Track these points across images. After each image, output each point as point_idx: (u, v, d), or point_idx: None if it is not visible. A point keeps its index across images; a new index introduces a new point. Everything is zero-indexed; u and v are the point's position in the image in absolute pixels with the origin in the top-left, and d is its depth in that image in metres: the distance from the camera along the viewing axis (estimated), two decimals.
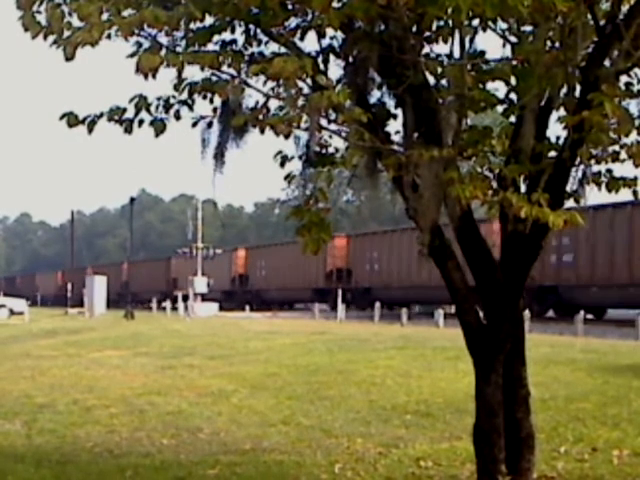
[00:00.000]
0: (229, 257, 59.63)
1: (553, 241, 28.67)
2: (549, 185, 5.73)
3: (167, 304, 49.60)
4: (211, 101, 5.78)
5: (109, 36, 5.32)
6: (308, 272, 49.84)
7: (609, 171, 6.08)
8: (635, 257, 29.42)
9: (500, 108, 6.18)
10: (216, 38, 5.61)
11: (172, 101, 5.83)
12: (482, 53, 5.80)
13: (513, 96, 6.03)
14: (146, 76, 5.31)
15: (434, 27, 5.67)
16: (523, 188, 5.85)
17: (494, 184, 5.80)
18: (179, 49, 5.58)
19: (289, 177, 6.20)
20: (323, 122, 5.70)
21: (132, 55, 5.47)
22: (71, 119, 5.75)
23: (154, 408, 11.92)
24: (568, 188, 5.92)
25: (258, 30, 5.72)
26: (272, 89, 5.61)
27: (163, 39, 5.54)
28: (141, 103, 5.70)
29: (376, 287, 44.04)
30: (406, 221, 6.40)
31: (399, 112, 5.94)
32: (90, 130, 5.77)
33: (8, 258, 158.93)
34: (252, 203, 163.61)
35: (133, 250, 60.89)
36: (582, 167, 5.92)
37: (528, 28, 5.66)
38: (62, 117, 5.74)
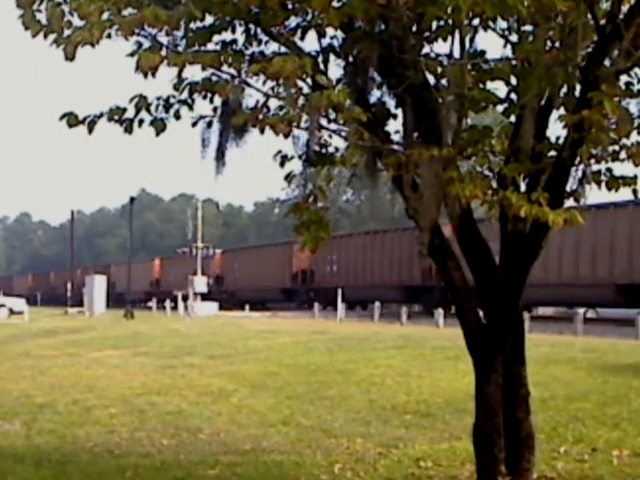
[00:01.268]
0: (207, 260, 62.94)
1: None
2: (549, 184, 5.73)
3: (152, 304, 50.49)
4: (211, 101, 5.78)
5: (109, 35, 5.32)
6: (276, 273, 53.77)
7: (609, 170, 6.07)
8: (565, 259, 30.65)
9: (500, 107, 6.17)
10: (216, 38, 5.61)
11: (172, 101, 5.82)
12: (482, 53, 5.79)
13: (513, 96, 6.03)
14: (146, 75, 5.31)
15: (434, 27, 5.66)
16: (523, 187, 5.85)
17: (494, 183, 5.80)
18: (179, 49, 5.57)
19: (289, 177, 6.19)
20: (323, 122, 5.70)
21: (132, 54, 5.46)
22: (71, 119, 5.74)
23: (154, 408, 11.91)
24: (568, 187, 5.92)
25: (258, 30, 5.72)
26: (272, 89, 5.61)
27: (163, 39, 5.54)
28: (141, 103, 5.70)
29: (336, 287, 45.62)
30: (406, 221, 6.39)
31: (399, 112, 5.94)
32: (90, 130, 5.77)
33: (8, 258, 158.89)
34: (252, 202, 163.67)
35: (133, 250, 60.99)
36: (582, 166, 5.92)
37: (528, 28, 5.66)
38: (62, 117, 5.73)
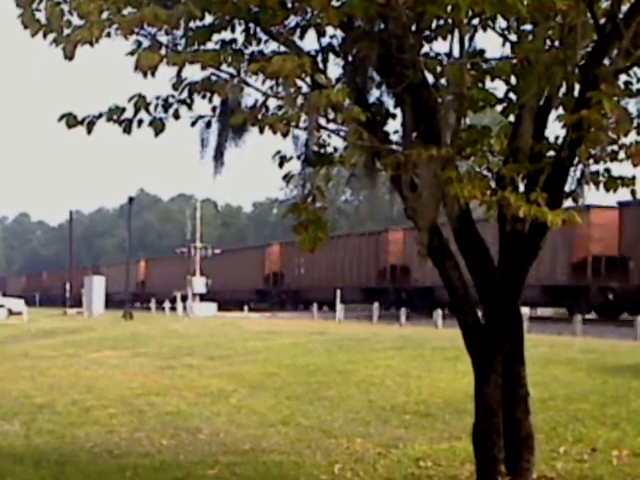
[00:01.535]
0: (187, 262, 65.60)
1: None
2: (548, 184, 5.72)
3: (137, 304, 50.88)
4: (210, 100, 5.77)
5: (109, 34, 5.32)
6: (250, 276, 57.74)
7: (607, 170, 6.07)
8: None
9: (499, 107, 6.17)
10: (216, 37, 5.61)
11: (171, 100, 5.81)
12: (481, 52, 5.80)
13: (512, 95, 6.02)
14: (145, 74, 5.31)
15: (433, 26, 5.66)
16: (522, 187, 5.85)
17: (493, 184, 5.79)
18: (179, 48, 5.57)
19: (287, 177, 6.19)
20: (322, 121, 5.69)
21: (132, 53, 5.46)
22: (70, 120, 5.73)
23: (153, 408, 11.90)
24: (567, 188, 5.92)
25: (258, 29, 5.71)
26: (271, 88, 5.60)
27: (163, 38, 5.53)
28: (140, 103, 5.69)
29: (302, 289, 52.08)
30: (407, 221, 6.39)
31: (398, 111, 5.94)
32: (89, 131, 5.76)
33: (7, 258, 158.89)
34: (250, 203, 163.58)
35: (132, 250, 61.12)
36: (581, 166, 5.92)
37: (528, 27, 5.66)
38: (61, 118, 5.72)
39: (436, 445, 8.91)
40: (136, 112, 5.73)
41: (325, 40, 5.77)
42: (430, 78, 5.82)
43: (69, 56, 5.34)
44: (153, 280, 71.39)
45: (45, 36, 5.44)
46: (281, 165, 6.11)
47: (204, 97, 5.76)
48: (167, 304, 50.00)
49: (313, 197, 6.12)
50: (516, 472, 6.24)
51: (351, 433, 9.72)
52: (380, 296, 43.95)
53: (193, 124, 5.83)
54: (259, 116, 5.57)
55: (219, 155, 5.71)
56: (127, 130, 5.78)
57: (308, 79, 5.51)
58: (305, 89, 5.52)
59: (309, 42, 5.76)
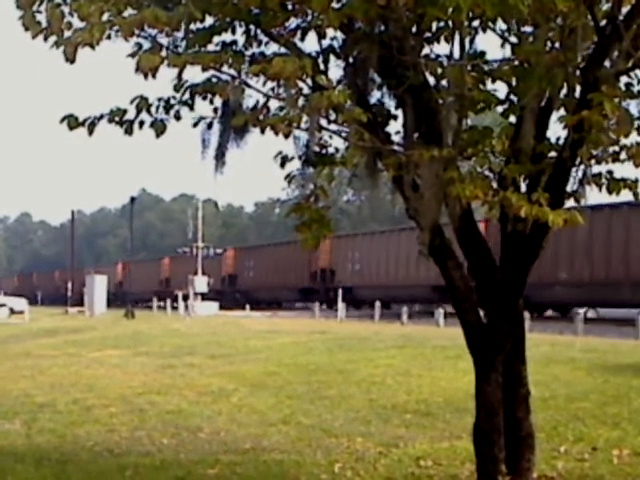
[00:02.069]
0: (157, 264, 70.04)
1: None
2: (549, 185, 5.73)
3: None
4: (211, 102, 5.79)
5: (109, 36, 5.32)
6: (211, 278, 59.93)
7: (610, 172, 6.07)
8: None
9: (500, 108, 6.18)
10: (216, 39, 5.61)
11: (172, 102, 5.83)
12: (482, 54, 5.81)
13: (513, 97, 6.03)
14: (146, 76, 5.31)
15: (434, 28, 5.68)
16: (523, 188, 5.86)
17: (494, 184, 5.81)
18: (179, 50, 5.58)
19: (289, 177, 6.21)
20: (323, 122, 5.71)
21: (132, 55, 5.47)
22: (71, 121, 5.74)
23: (154, 407, 11.92)
24: (568, 188, 5.93)
25: (258, 31, 5.73)
26: (272, 89, 5.62)
27: (163, 40, 5.54)
28: (142, 104, 5.70)
29: (251, 289, 57.97)
30: (405, 221, 6.41)
31: (399, 112, 5.95)
32: (90, 132, 5.77)
33: (9, 258, 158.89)
34: (252, 203, 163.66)
35: (134, 250, 61.24)
36: (582, 167, 5.93)
37: (528, 29, 5.67)
38: (63, 120, 5.74)
39: (437, 444, 8.93)
40: (138, 113, 5.74)
41: (326, 42, 5.79)
42: (431, 79, 5.83)
43: (70, 58, 5.35)
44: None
45: (46, 38, 5.45)
46: (283, 165, 6.12)
47: (205, 98, 5.77)
48: (168, 303, 49.97)
49: (316, 196, 6.13)
50: (517, 471, 6.25)
51: (352, 432, 9.73)
52: (312, 295, 50.41)
53: (195, 125, 5.85)
54: (260, 117, 5.58)
55: (220, 155, 5.72)
56: (129, 131, 5.80)
57: (309, 80, 5.52)
58: (306, 90, 5.54)
59: (310, 44, 5.78)
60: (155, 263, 72.97)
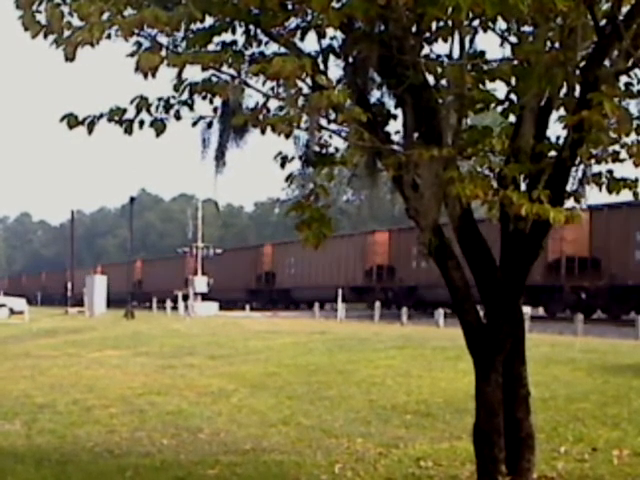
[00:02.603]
0: (130, 267, 69.80)
1: None
2: (549, 184, 5.73)
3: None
4: (211, 101, 5.79)
5: (109, 36, 5.32)
6: (174, 280, 64.30)
7: (610, 172, 6.07)
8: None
9: (500, 108, 6.18)
10: (216, 39, 5.61)
11: (172, 101, 5.82)
12: (482, 53, 5.80)
13: (513, 96, 6.03)
14: (146, 75, 5.31)
15: (434, 27, 5.67)
16: (523, 187, 5.85)
17: (494, 183, 5.80)
18: (179, 49, 5.58)
19: (290, 177, 6.20)
20: (323, 122, 5.71)
21: (132, 55, 5.46)
22: (71, 120, 5.74)
23: (154, 408, 11.91)
24: (568, 188, 5.92)
25: (258, 30, 5.72)
26: (272, 89, 5.61)
27: (163, 39, 5.54)
28: (142, 104, 5.69)
29: (215, 290, 58.56)
30: (405, 221, 6.40)
31: (399, 112, 5.94)
32: (90, 131, 5.76)
33: (8, 258, 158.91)
34: (252, 202, 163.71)
35: (133, 250, 61.33)
36: (582, 167, 5.92)
37: (528, 28, 5.67)
38: (62, 119, 5.73)
39: (437, 445, 8.92)
40: (137, 113, 5.74)
41: (325, 41, 5.79)
42: (431, 79, 5.83)
43: (70, 57, 5.35)
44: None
45: (46, 37, 5.45)
46: (283, 165, 6.12)
47: (205, 98, 5.77)
48: (168, 303, 50.00)
49: (316, 195, 6.12)
50: (517, 472, 6.24)
51: (352, 433, 9.73)
52: (258, 295, 57.85)
53: (194, 125, 5.84)
54: (260, 117, 5.58)
55: (220, 155, 5.71)
56: (128, 131, 5.79)
57: (309, 80, 5.52)
58: (306, 90, 5.53)
59: (309, 43, 5.78)
60: (129, 265, 70.70)
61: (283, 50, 5.65)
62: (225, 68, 5.56)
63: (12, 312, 47.84)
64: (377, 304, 36.62)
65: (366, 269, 47.53)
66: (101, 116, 5.78)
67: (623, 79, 5.77)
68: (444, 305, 31.54)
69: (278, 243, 60.79)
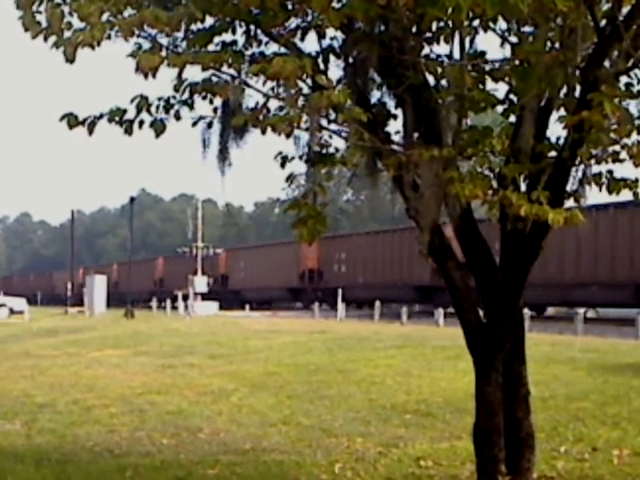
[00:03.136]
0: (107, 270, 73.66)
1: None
2: (549, 185, 5.73)
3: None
4: (211, 101, 5.79)
5: (109, 36, 5.32)
6: (145, 282, 68.07)
7: (610, 172, 6.07)
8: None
9: (500, 108, 6.18)
10: (216, 39, 5.61)
11: (172, 101, 5.82)
12: (482, 53, 5.81)
13: (513, 96, 6.03)
14: (146, 76, 5.31)
15: (434, 28, 5.67)
16: (523, 188, 5.85)
17: (494, 183, 5.80)
18: (179, 49, 5.58)
19: (290, 177, 6.21)
20: (323, 122, 5.71)
21: (132, 55, 5.46)
22: (71, 120, 5.74)
23: (154, 407, 11.92)
24: (568, 188, 5.92)
25: (258, 30, 5.72)
26: (272, 89, 5.62)
27: (163, 40, 5.54)
28: (142, 104, 5.69)
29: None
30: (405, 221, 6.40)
31: (399, 112, 5.95)
32: (90, 131, 5.76)
33: (8, 258, 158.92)
34: (252, 202, 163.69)
35: (133, 250, 61.40)
36: (582, 167, 5.93)
37: (528, 29, 5.67)
38: (62, 118, 5.73)
39: (437, 444, 8.93)
40: (138, 113, 5.73)
41: (326, 42, 5.78)
42: (431, 79, 5.83)
43: (70, 58, 5.34)
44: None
45: (46, 38, 5.44)
46: (283, 165, 6.12)
47: (205, 98, 5.77)
48: (168, 303, 50.00)
49: (314, 194, 6.12)
50: (517, 471, 6.25)
51: (352, 432, 9.73)
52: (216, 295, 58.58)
53: (194, 125, 5.84)
54: (260, 117, 5.58)
55: (224, 156, 5.71)
56: (128, 131, 5.79)
57: (309, 80, 5.52)
58: (306, 90, 5.53)
59: (310, 44, 5.78)
60: (107, 268, 76.32)
61: (283, 50, 5.65)
62: (225, 68, 5.56)
63: (12, 312, 47.86)
64: (377, 304, 36.59)
65: (300, 272, 52.93)
66: (101, 116, 5.77)
67: (623, 79, 5.77)
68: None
69: (231, 249, 65.63)
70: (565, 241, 31.12)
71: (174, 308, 49.73)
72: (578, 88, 5.61)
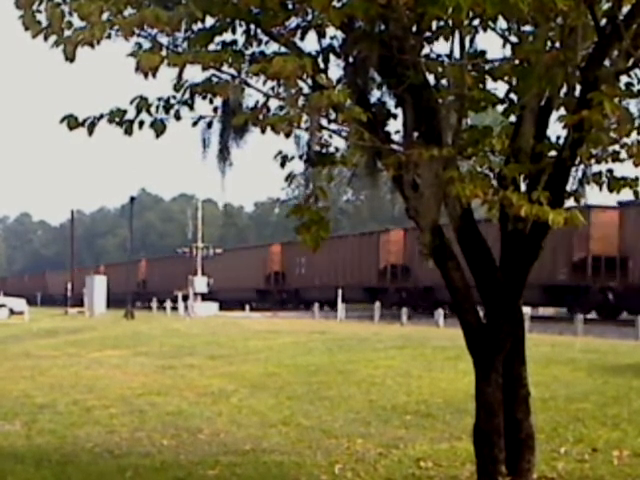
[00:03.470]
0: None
1: None
2: (549, 184, 5.73)
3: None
4: (211, 101, 5.78)
5: (109, 36, 5.31)
6: (127, 283, 66.81)
7: (610, 171, 6.07)
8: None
9: (500, 108, 6.17)
10: (217, 39, 5.60)
11: (172, 101, 5.81)
12: (482, 53, 5.80)
13: (513, 96, 6.03)
14: (146, 75, 5.30)
15: (434, 27, 5.67)
16: (523, 187, 5.85)
17: (494, 183, 5.80)
18: (179, 49, 5.57)
19: (290, 177, 6.19)
20: (323, 122, 5.70)
21: (132, 54, 5.45)
22: (71, 121, 5.73)
23: (154, 408, 11.91)
24: (568, 188, 5.92)
25: (258, 30, 5.72)
26: (272, 89, 5.61)
27: (163, 39, 5.53)
28: (142, 104, 5.68)
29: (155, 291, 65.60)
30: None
31: (399, 112, 5.94)
32: (90, 132, 5.75)
33: (8, 258, 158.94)
34: (252, 203, 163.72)
35: (133, 250, 61.44)
36: (582, 167, 5.92)
37: (528, 28, 5.66)
38: (62, 120, 5.72)
39: (437, 445, 8.92)
40: (138, 113, 5.73)
41: (326, 41, 5.78)
42: (431, 79, 5.83)
43: (70, 58, 5.34)
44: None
45: (46, 38, 5.44)
46: (283, 165, 6.11)
47: (205, 98, 5.76)
48: (168, 304, 50.02)
49: (315, 197, 6.11)
50: (517, 472, 6.24)
51: (352, 433, 9.72)
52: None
53: (194, 125, 5.84)
54: (260, 117, 5.57)
55: (224, 155, 5.71)
56: (128, 131, 5.78)
57: (309, 80, 5.52)
58: (306, 90, 5.53)
59: (310, 43, 5.77)
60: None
61: (283, 50, 5.65)
62: (225, 68, 5.56)
63: (12, 312, 47.85)
64: (377, 304, 36.58)
65: (265, 275, 57.66)
66: (101, 117, 5.77)
67: (623, 79, 5.77)
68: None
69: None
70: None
71: (174, 309, 49.71)
72: (578, 87, 5.61)
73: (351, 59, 5.71)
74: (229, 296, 59.04)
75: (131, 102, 5.71)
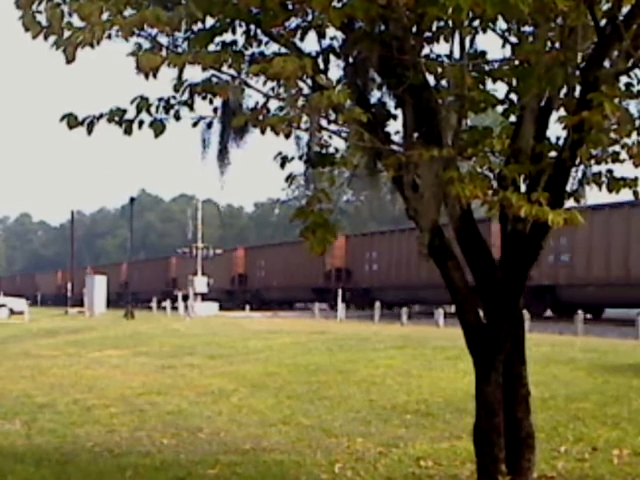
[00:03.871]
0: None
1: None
2: (549, 185, 5.73)
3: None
4: (211, 102, 5.79)
5: (109, 36, 5.32)
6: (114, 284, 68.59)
7: (610, 172, 6.08)
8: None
9: (500, 108, 6.18)
10: (217, 39, 5.61)
11: (172, 102, 5.82)
12: (482, 53, 5.81)
13: (513, 96, 6.04)
14: (146, 75, 5.30)
15: (434, 27, 5.67)
16: (523, 188, 5.86)
17: (494, 184, 5.80)
18: (179, 49, 5.58)
19: (290, 178, 6.20)
20: (323, 122, 5.70)
21: (133, 55, 5.46)
22: (71, 120, 5.73)
23: (154, 407, 11.92)
24: (568, 188, 5.93)
25: (258, 30, 5.73)
26: (272, 89, 5.62)
27: (163, 39, 5.54)
28: (142, 104, 5.69)
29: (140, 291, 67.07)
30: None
31: (399, 112, 5.95)
32: (89, 131, 5.76)
33: (8, 258, 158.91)
34: (252, 203, 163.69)
35: (133, 250, 61.48)
36: (582, 167, 5.93)
37: (528, 29, 5.67)
38: (62, 119, 5.73)
39: (437, 444, 8.93)
40: (137, 113, 5.73)
41: (326, 41, 5.78)
42: (431, 79, 5.83)
43: (70, 58, 5.33)
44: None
45: (46, 38, 5.44)
46: (283, 166, 6.11)
47: (205, 98, 5.77)
48: (168, 304, 50.01)
49: (318, 199, 6.11)
50: (517, 471, 6.24)
51: (352, 432, 9.74)
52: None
53: (194, 125, 5.84)
54: (260, 117, 5.57)
55: (223, 156, 5.71)
56: (128, 131, 5.79)
57: (309, 80, 5.52)
58: (306, 90, 5.53)
59: (310, 43, 5.78)
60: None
61: (283, 50, 5.65)
62: (225, 68, 5.56)
63: (12, 312, 47.86)
64: (377, 304, 36.58)
65: (231, 277, 61.15)
66: (101, 116, 5.77)
67: (623, 79, 5.77)
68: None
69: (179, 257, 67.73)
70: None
71: (174, 309, 49.71)
72: (578, 88, 5.61)
73: (351, 59, 5.71)
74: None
75: (131, 102, 5.72)
